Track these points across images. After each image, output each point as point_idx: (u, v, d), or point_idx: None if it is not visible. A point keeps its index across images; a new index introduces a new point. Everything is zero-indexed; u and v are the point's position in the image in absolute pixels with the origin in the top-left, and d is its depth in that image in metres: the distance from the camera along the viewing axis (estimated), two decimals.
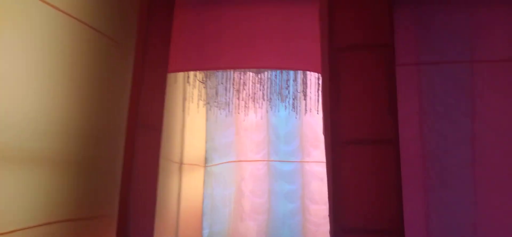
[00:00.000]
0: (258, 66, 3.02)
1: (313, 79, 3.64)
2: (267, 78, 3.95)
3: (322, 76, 1.86)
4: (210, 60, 2.67)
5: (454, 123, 1.69)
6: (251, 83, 3.77)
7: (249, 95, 3.72)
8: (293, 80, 3.65)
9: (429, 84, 1.70)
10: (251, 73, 3.82)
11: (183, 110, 3.41)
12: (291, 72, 3.64)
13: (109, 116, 1.90)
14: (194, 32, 2.61)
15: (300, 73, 3.73)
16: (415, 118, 1.76)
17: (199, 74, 3.53)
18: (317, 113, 3.60)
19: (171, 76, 3.04)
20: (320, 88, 3.37)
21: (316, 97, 3.62)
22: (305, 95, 3.61)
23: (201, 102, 3.53)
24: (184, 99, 3.42)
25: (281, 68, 3.06)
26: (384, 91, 1.59)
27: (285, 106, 3.67)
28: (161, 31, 2.39)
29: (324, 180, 4.04)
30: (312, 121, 3.83)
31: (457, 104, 1.69)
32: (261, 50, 2.63)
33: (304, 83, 3.63)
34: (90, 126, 1.74)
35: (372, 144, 1.53)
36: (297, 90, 3.70)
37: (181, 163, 3.46)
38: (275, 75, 3.64)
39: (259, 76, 3.74)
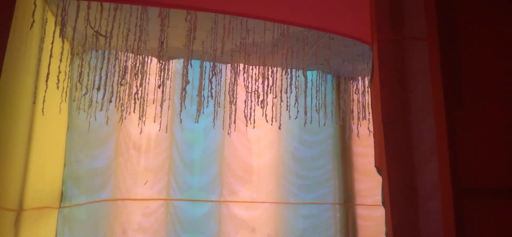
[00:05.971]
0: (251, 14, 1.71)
1: (252, 73, 2.48)
2: (177, 69, 2.61)
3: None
4: None
5: None
6: (152, 74, 2.40)
7: (147, 92, 2.32)
8: (216, 75, 2.42)
9: None
10: (153, 59, 2.44)
11: (34, 101, 1.82)
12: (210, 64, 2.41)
13: None
14: None
15: (225, 66, 2.50)
16: None
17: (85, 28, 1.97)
18: (253, 128, 2.42)
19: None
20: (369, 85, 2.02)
21: (252, 104, 2.44)
22: (234, 98, 2.41)
23: (68, 90, 1.99)
24: (37, 80, 1.82)
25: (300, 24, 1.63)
26: None
27: (199, 114, 2.38)
28: None
29: (258, 231, 2.80)
30: (239, 140, 2.62)
31: None
32: None
33: (233, 79, 2.44)
34: None
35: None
36: (221, 91, 2.46)
37: (20, 209, 1.83)
38: (191, 64, 2.36)
39: (166, 64, 2.39)
